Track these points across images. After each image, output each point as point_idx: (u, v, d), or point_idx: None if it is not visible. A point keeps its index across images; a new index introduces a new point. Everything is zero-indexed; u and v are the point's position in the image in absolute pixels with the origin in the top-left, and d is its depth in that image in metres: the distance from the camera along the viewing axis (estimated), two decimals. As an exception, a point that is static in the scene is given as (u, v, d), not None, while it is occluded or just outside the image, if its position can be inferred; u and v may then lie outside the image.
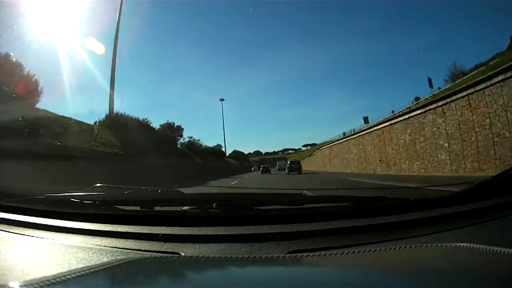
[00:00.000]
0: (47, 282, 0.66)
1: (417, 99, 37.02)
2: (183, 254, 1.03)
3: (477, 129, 13.05)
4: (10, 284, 0.69)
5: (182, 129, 37.55)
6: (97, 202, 1.49)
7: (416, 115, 18.11)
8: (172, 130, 34.49)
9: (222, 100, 57.61)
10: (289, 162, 33.33)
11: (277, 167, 46.43)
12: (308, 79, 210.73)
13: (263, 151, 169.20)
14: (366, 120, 39.14)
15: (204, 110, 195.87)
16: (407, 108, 25.19)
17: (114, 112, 21.48)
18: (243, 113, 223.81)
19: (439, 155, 15.65)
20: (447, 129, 15.00)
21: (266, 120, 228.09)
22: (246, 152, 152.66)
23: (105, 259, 0.96)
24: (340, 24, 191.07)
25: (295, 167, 30.76)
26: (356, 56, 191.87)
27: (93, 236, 1.20)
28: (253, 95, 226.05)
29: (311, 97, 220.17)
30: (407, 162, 18.95)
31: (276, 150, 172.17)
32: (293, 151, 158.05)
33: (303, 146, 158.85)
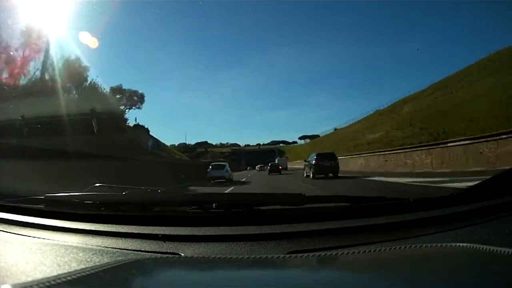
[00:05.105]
0: (48, 284, 0.66)
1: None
2: (183, 254, 1.03)
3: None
4: (11, 286, 0.69)
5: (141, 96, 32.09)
6: (97, 202, 1.48)
7: None
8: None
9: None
10: (315, 157, 17.99)
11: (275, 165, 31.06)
12: (296, 80, 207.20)
13: (242, 144, 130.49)
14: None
15: (189, 109, 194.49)
16: None
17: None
18: (224, 110, 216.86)
19: None
20: None
21: (252, 116, 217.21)
22: (214, 143, 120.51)
23: (106, 260, 0.96)
24: (328, 27, 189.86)
25: (328, 166, 17.37)
26: (345, 58, 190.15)
27: (93, 237, 1.20)
28: (238, 95, 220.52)
29: (299, 98, 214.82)
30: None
31: (263, 143, 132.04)
32: (284, 145, 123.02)
33: (300, 138, 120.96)
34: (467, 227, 1.10)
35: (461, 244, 0.89)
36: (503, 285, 0.68)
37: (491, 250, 0.80)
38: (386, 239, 1.06)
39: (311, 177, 17.58)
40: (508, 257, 0.76)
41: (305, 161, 20.93)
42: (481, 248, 0.84)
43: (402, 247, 0.95)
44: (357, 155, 29.36)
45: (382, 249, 0.94)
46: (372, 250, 0.94)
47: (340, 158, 26.33)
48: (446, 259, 0.89)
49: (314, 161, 18.02)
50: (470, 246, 0.87)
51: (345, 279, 0.83)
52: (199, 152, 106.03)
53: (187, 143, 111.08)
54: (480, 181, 1.40)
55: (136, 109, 33.32)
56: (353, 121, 70.97)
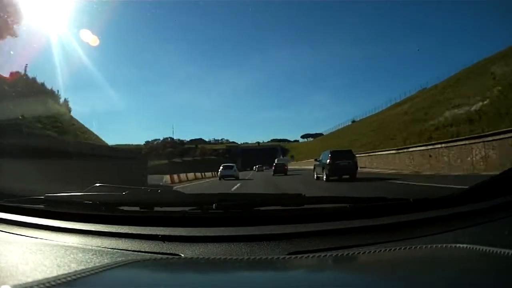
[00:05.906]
0: (48, 284, 0.66)
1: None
2: (183, 255, 1.03)
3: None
4: (10, 286, 0.68)
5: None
6: (97, 203, 1.48)
7: None
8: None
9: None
10: (329, 155, 15.05)
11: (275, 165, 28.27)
12: (296, 79, 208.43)
13: (240, 142, 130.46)
14: None
15: (187, 108, 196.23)
16: None
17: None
18: (223, 108, 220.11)
19: None
20: None
21: (252, 116, 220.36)
22: (206, 139, 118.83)
23: (106, 261, 0.96)
24: (328, 26, 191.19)
25: (346, 166, 14.64)
26: (345, 58, 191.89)
27: (93, 237, 1.20)
28: (238, 93, 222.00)
29: (299, 97, 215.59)
30: None
31: (263, 141, 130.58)
32: (285, 143, 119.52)
33: (302, 136, 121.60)
34: (468, 227, 1.10)
35: (462, 245, 0.89)
36: (503, 286, 0.68)
37: (492, 251, 0.80)
38: (386, 239, 1.05)
39: (324, 179, 14.80)
40: (509, 258, 0.76)
41: (315, 160, 17.80)
42: (481, 249, 0.83)
43: (403, 248, 0.95)
44: (472, 140, 13.74)
45: (383, 250, 0.94)
46: (372, 251, 0.93)
47: (411, 150, 18.31)
48: (447, 260, 0.89)
49: (328, 160, 14.69)
50: (470, 247, 0.87)
51: (346, 280, 0.83)
52: (186, 149, 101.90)
53: (174, 138, 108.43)
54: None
55: (13, 38, 18.82)
56: (374, 111, 57.33)
